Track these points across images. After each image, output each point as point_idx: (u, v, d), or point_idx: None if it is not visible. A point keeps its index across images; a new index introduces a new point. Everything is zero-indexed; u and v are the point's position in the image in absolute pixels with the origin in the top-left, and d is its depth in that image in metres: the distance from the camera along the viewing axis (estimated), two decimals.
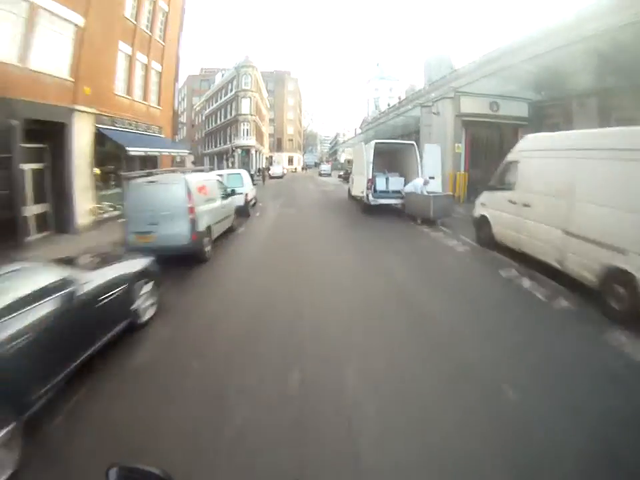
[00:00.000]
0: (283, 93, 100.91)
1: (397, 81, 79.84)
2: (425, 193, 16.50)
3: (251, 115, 58.54)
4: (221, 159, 61.20)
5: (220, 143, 64.70)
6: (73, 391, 4.59)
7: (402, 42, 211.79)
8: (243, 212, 17.53)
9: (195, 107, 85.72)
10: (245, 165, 55.96)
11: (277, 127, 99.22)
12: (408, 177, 19.17)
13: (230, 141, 59.95)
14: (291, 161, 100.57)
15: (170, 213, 9.61)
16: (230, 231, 14.51)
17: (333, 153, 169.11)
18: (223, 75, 66.09)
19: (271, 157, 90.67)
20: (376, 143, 19.36)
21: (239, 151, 57.01)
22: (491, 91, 21.70)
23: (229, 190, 14.40)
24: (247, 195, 18.61)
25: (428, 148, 19.67)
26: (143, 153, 19.28)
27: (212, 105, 70.60)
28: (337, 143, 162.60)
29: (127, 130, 19.18)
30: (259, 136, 67.49)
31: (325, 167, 69.79)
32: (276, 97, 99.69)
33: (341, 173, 53.30)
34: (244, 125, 58.29)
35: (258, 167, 52.24)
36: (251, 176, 40.77)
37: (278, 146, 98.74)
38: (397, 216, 18.17)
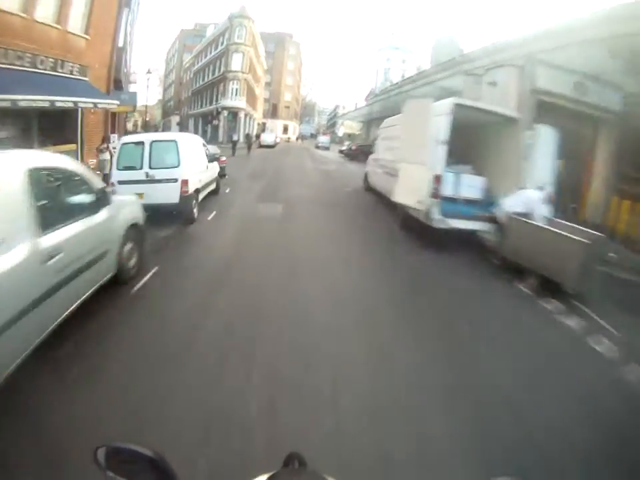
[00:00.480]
0: (283, 56, 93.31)
1: (410, 52, 72.57)
2: (542, 216, 8.45)
3: (243, 72, 51.54)
4: (206, 122, 54.44)
5: (206, 104, 57.81)
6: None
7: (416, 14, 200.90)
8: (177, 217, 10.56)
9: (184, 63, 78.31)
10: (232, 129, 49.43)
11: (273, 92, 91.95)
12: (493, 178, 10.64)
13: (216, 101, 53.12)
14: (285, 129, 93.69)
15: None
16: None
17: (331, 125, 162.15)
18: (215, 28, 58.59)
19: (264, 123, 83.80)
20: (456, 105, 9.39)
21: (225, 113, 50.27)
22: (575, 65, 14.01)
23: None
24: (184, 182, 10.29)
25: (542, 131, 9.88)
26: (33, 103, 12.12)
27: (201, 60, 63.32)
28: (335, 115, 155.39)
29: (13, 67, 12.42)
30: (251, 98, 60.68)
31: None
32: (275, 60, 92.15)
33: (343, 148, 47.31)
34: (233, 83, 51.36)
35: (246, 132, 45.44)
36: (233, 143, 35.45)
37: (273, 112, 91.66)
38: (475, 257, 9.58)
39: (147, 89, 37.61)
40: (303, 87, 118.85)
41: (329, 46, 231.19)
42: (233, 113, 50.69)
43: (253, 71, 58.60)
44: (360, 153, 37.88)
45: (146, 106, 40.07)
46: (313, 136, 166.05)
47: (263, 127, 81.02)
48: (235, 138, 35.18)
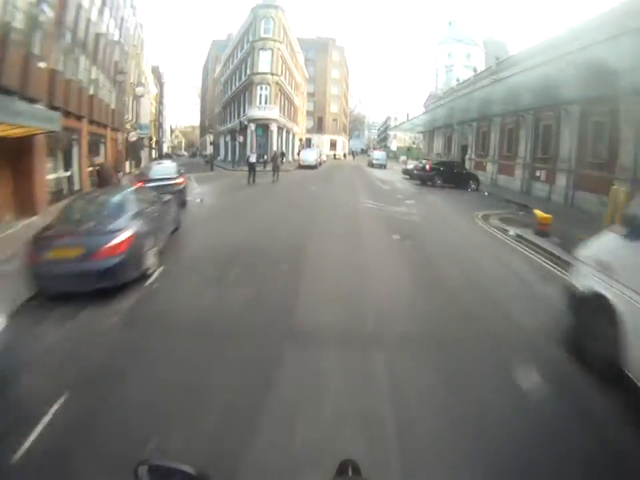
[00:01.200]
0: (326, 62, 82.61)
1: (475, 45, 59.15)
2: None
3: (273, 74, 40.29)
4: (233, 138, 43.69)
5: (234, 117, 47.26)
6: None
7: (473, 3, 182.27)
8: None
9: (215, 75, 69.10)
10: (262, 147, 38.40)
11: (317, 104, 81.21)
12: None
13: (243, 112, 42.24)
14: (333, 145, 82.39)
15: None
16: None
17: (383, 139, 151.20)
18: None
19: (308, 139, 73.09)
20: None
21: (253, 126, 39.21)
22: None
23: None
24: None
25: None
26: None
27: (229, 68, 53.24)
28: (387, 127, 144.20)
29: None
30: (289, 108, 49.76)
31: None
32: (317, 68, 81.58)
33: (409, 167, 35.18)
34: (261, 88, 40.28)
35: (273, 150, 34.38)
36: (250, 166, 22.74)
37: (318, 126, 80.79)
38: None
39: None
40: (350, 97, 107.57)
41: (376, 51, 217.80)
42: (263, 127, 39.53)
43: (288, 74, 47.67)
44: (438, 174, 26.07)
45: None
46: (364, 151, 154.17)
47: (307, 143, 70.51)
48: (252, 159, 23.79)
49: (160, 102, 78.68)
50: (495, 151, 29.26)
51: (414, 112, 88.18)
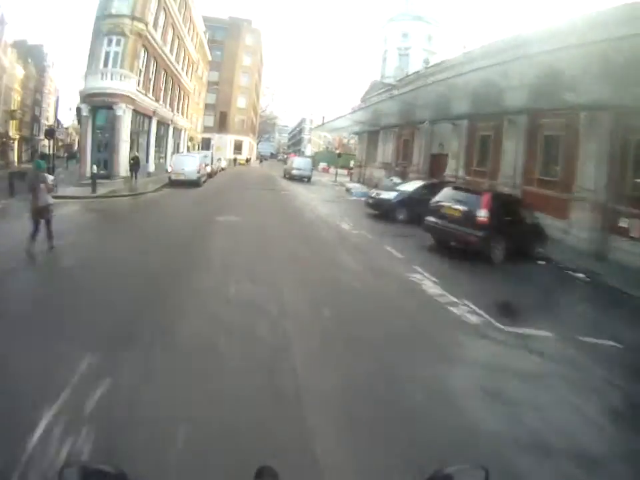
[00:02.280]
0: (237, 47, 66.68)
1: (437, 25, 44.17)
2: None
3: (134, 19, 22.67)
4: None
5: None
6: None
7: None
8: None
9: None
10: (105, 147, 21.69)
11: (221, 95, 64.65)
12: None
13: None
14: (238, 147, 66.12)
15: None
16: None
17: (296, 143, 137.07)
18: None
19: (206, 139, 56.36)
20: None
21: (86, 109, 21.98)
22: None
23: None
24: None
25: None
26: None
27: None
28: (301, 130, 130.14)
29: None
30: (171, 90, 32.92)
31: (301, 163, 37.95)
32: (225, 53, 65.44)
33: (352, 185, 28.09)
34: (109, 42, 22.72)
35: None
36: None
37: (221, 123, 64.04)
38: None
39: None
40: (262, 95, 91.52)
41: (291, 39, 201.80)
42: (107, 109, 22.24)
43: (172, 33, 30.76)
44: (497, 233, 10.32)
45: None
46: (273, 156, 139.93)
47: (204, 145, 53.88)
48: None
49: (38, 89, 60.36)
50: (516, 168, 17.82)
51: (331, 114, 76.21)
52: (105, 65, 22.81)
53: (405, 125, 30.37)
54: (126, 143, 22.68)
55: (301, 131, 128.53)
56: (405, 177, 26.79)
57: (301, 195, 23.81)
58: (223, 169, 42.65)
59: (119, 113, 22.00)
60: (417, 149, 29.00)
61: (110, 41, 22.86)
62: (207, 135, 58.89)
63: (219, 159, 42.17)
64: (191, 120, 43.50)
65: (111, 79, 22.12)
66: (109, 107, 22.06)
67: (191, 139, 43.01)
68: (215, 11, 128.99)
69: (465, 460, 1.30)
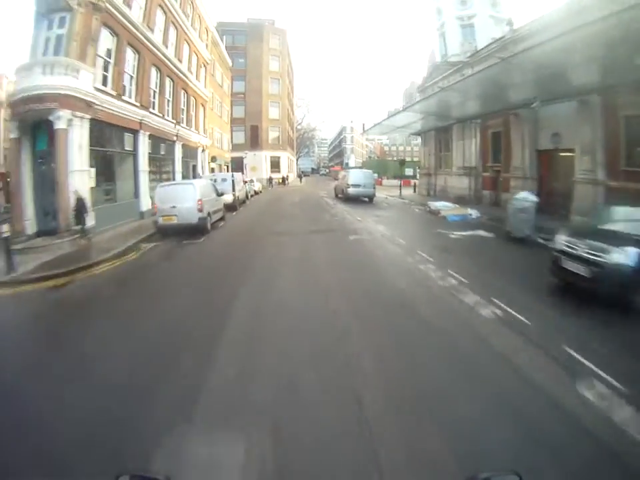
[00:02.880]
0: (261, 52, 58.30)
1: None
2: None
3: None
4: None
5: None
6: None
7: None
8: None
9: None
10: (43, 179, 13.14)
11: (249, 107, 56.32)
12: None
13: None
14: (275, 164, 57.42)
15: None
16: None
17: (337, 154, 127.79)
18: None
19: (237, 159, 48.10)
20: None
21: (13, 125, 13.62)
22: None
23: None
24: None
25: None
26: None
27: None
28: (341, 141, 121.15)
29: None
30: (173, 94, 24.38)
31: (360, 178, 26.79)
32: (249, 60, 57.38)
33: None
34: (51, 23, 13.99)
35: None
36: None
37: (252, 139, 55.71)
38: None
39: None
40: (297, 107, 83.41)
41: (321, 45, 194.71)
42: (45, 124, 13.65)
43: (161, 12, 22.07)
44: None
45: None
46: (315, 171, 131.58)
47: (236, 166, 45.68)
48: None
49: None
50: None
51: (371, 121, 67.04)
52: (46, 51, 14.31)
53: (494, 112, 21.39)
54: (81, 174, 13.89)
55: (341, 142, 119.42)
56: (495, 186, 22.21)
57: (382, 237, 13.77)
58: (256, 193, 33.97)
59: (60, 124, 13.12)
60: (517, 145, 20.19)
61: (51, 22, 14.30)
62: (237, 154, 50.63)
63: (250, 181, 33.51)
64: (211, 136, 35.08)
65: (47, 73, 13.47)
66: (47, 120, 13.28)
67: (213, 159, 34.52)
68: (232, 16, 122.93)
69: None
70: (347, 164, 78.56)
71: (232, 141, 51.59)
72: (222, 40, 43.36)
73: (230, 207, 20.03)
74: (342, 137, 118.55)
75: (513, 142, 20.73)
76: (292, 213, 20.57)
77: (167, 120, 22.77)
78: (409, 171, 59.86)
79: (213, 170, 34.60)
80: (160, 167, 22.39)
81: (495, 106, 20.25)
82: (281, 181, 52.36)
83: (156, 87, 21.73)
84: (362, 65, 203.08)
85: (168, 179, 22.31)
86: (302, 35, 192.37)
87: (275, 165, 57.01)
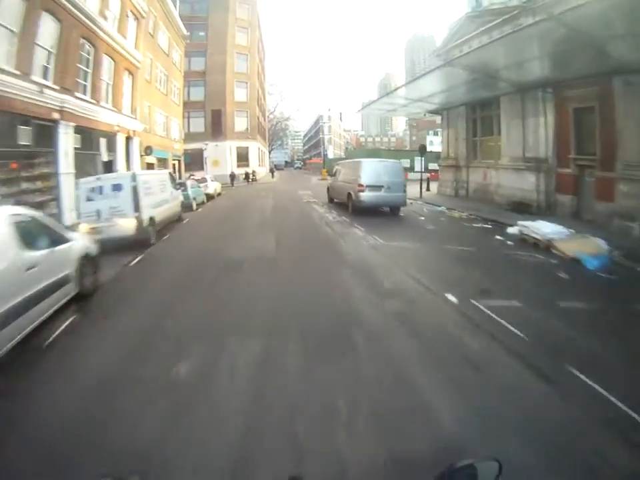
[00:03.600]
0: (226, 22, 48.17)
1: None
2: None
3: None
4: None
5: None
6: None
7: None
8: None
9: None
10: None
11: (211, 88, 46.26)
12: None
13: None
14: (243, 156, 47.49)
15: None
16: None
17: (314, 146, 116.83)
18: None
19: (192, 151, 38.43)
20: None
21: None
22: None
23: None
24: None
25: None
26: None
27: None
28: (318, 131, 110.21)
29: None
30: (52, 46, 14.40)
31: (381, 171, 16.18)
32: (211, 31, 47.46)
33: None
34: None
35: None
36: None
37: (214, 127, 45.66)
38: None
39: None
40: (268, 94, 73.80)
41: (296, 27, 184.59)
42: None
43: None
44: None
45: None
46: (289, 164, 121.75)
47: (195, 160, 36.26)
48: None
49: None
50: None
51: (348, 110, 58.72)
52: None
53: (580, 78, 14.06)
54: None
55: (318, 132, 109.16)
56: (578, 189, 15.01)
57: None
58: (210, 198, 24.28)
59: None
60: (632, 128, 12.21)
61: None
62: (195, 146, 40.81)
63: (199, 181, 23.88)
64: (147, 118, 25.18)
65: None
66: None
67: (147, 151, 24.19)
68: None
69: None
70: (325, 155, 69.05)
71: (188, 129, 41.73)
72: (175, 6, 33.34)
73: (132, 244, 10.58)
74: (318, 126, 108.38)
75: (621, 124, 12.52)
76: (261, 254, 10.04)
77: (35, 82, 12.82)
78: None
79: (151, 166, 24.77)
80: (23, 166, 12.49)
81: (583, 67, 12.92)
82: (245, 177, 42.10)
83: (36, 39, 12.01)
84: (337, 53, 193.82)
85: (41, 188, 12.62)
86: (275, 12, 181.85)
87: (243, 157, 47.05)
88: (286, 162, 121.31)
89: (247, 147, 47.48)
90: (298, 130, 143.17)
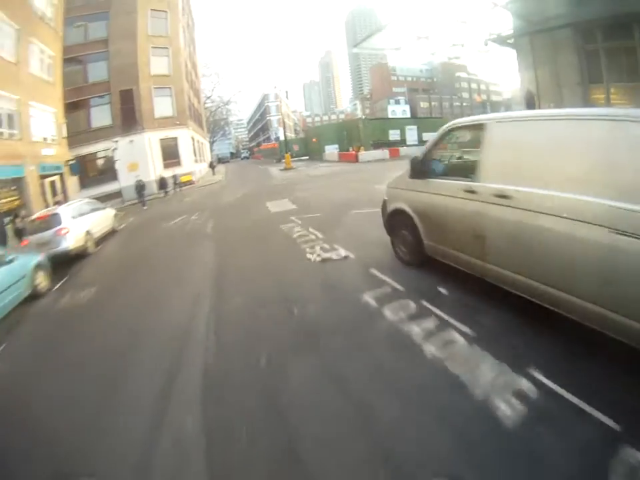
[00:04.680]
0: None
1: None
2: None
3: None
4: None
5: None
6: None
7: None
8: None
9: None
10: None
11: (116, 62, 32.75)
12: None
13: None
14: (170, 152, 34.10)
15: None
16: None
17: (261, 130, 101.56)
18: None
19: (107, 159, 25.78)
20: None
21: None
22: None
23: None
24: None
25: None
26: None
27: None
28: (265, 111, 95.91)
29: None
30: None
31: None
32: None
33: None
34: None
35: None
36: None
37: (126, 115, 32.30)
38: None
39: None
40: (203, 76, 60.81)
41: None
42: None
43: None
44: None
45: None
46: (234, 156, 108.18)
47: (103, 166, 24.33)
48: None
49: None
50: None
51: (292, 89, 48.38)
52: None
53: None
54: None
55: (264, 114, 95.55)
56: None
57: None
58: (88, 249, 11.74)
59: None
60: None
61: None
62: (100, 147, 27.85)
63: (42, 232, 11.07)
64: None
65: None
66: None
67: None
68: None
69: None
70: (277, 139, 56.69)
71: (88, 124, 28.88)
72: None
73: None
74: (264, 107, 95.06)
75: None
76: None
77: None
78: (394, 134, 41.22)
79: None
80: None
81: None
82: (159, 185, 28.03)
83: None
84: (276, 34, 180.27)
85: None
86: None
87: (171, 152, 33.79)
88: (231, 153, 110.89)
89: (176, 138, 34.18)
90: (241, 118, 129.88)
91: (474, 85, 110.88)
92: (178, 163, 33.50)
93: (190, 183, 30.91)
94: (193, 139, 37.84)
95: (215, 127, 77.32)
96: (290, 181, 23.32)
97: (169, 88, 34.74)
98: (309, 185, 19.88)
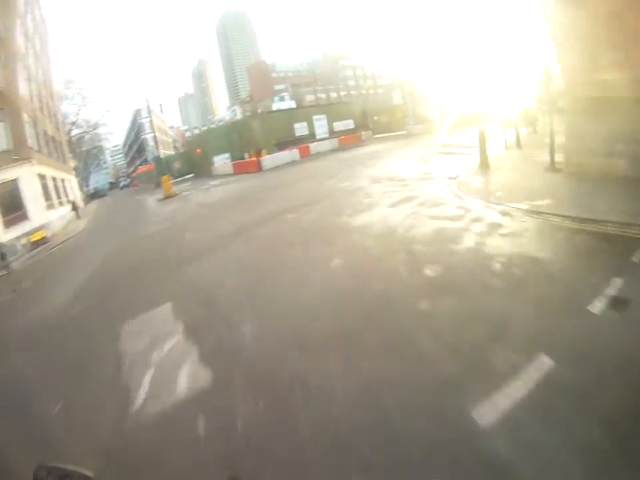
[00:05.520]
0: None
1: None
2: None
3: None
4: None
5: None
6: None
7: None
8: None
9: None
10: None
11: None
12: None
13: None
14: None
15: None
16: None
17: (137, 152, 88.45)
18: None
19: None
20: None
21: None
22: None
23: None
24: None
25: None
26: None
27: None
28: (139, 129, 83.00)
29: None
30: None
31: None
32: None
33: None
34: None
35: None
36: None
37: None
38: None
39: None
40: (65, 97, 50.92)
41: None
42: None
43: None
44: None
45: None
46: (114, 185, 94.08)
47: None
48: None
49: None
50: None
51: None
52: None
53: None
54: None
55: (138, 132, 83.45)
56: None
57: None
58: None
59: None
60: None
61: None
62: None
63: None
64: None
65: None
66: None
67: None
68: None
69: None
70: (155, 157, 45.88)
71: None
72: None
73: None
74: (138, 124, 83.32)
75: None
76: None
77: None
78: (300, 128, 37.28)
79: None
80: None
81: None
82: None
83: None
84: (146, 47, 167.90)
85: None
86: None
87: (10, 203, 23.31)
88: (110, 183, 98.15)
89: (15, 180, 23.70)
90: (116, 144, 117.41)
91: (359, 72, 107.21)
92: (24, 216, 23.27)
93: (43, 241, 20.99)
94: (44, 177, 27.53)
95: (87, 157, 65.83)
96: (171, 224, 15.04)
97: (7, 110, 24.17)
98: (205, 232, 11.61)
